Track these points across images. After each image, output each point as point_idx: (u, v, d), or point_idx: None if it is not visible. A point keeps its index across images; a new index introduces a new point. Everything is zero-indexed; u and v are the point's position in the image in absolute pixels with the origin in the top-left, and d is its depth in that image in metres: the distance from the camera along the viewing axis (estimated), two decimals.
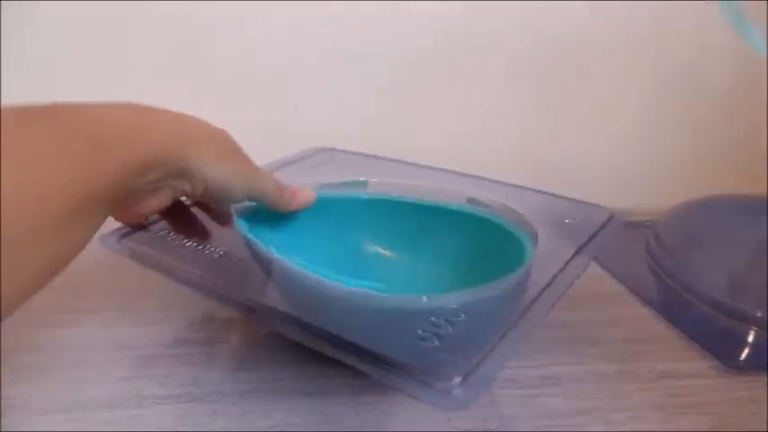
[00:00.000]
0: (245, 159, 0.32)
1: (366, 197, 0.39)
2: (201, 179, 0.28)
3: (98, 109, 0.25)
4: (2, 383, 0.30)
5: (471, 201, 0.38)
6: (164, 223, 0.35)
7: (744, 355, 0.37)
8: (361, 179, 0.41)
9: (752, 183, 0.55)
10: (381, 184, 0.40)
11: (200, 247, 0.33)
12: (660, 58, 0.57)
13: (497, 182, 0.41)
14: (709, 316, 0.41)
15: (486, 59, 0.56)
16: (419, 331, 0.22)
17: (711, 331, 0.39)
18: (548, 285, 0.26)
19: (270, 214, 0.34)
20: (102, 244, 0.32)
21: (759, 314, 0.39)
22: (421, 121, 0.57)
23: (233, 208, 0.35)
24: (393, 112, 0.57)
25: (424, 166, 0.44)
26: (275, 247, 0.32)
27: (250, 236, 0.32)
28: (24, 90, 0.54)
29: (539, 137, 0.59)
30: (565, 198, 0.40)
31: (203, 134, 0.29)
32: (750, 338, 0.38)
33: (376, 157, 0.46)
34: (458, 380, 0.19)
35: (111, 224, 0.33)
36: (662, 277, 0.46)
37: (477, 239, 0.35)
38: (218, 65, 0.53)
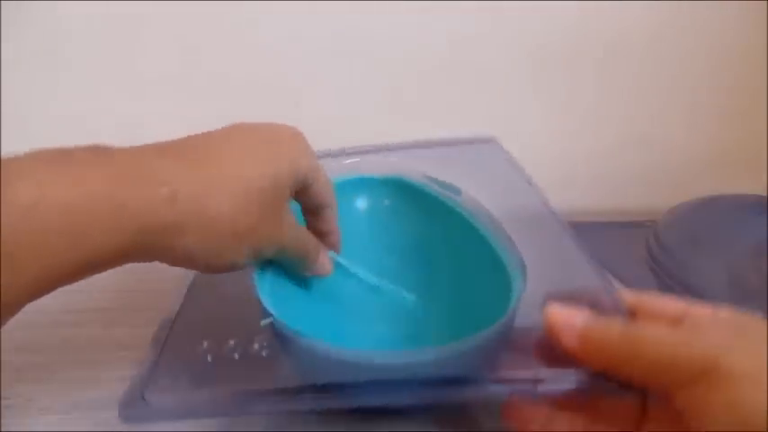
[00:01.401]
0: (272, 223, 0.25)
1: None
2: (187, 260, 0.23)
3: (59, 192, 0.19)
4: (2, 383, 0.30)
5: (429, 178, 0.37)
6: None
7: None
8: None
9: (752, 183, 0.55)
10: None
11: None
12: (660, 58, 0.57)
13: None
14: None
15: (488, 61, 0.56)
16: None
17: None
18: None
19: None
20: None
21: (759, 314, 0.39)
22: (422, 120, 0.57)
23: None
24: (395, 112, 0.57)
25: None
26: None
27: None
28: (24, 91, 0.54)
29: (538, 137, 0.59)
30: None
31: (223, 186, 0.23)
32: None
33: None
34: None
35: None
36: (662, 277, 0.46)
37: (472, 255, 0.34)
38: (219, 65, 0.53)
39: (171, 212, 0.21)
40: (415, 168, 0.38)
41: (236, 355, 0.26)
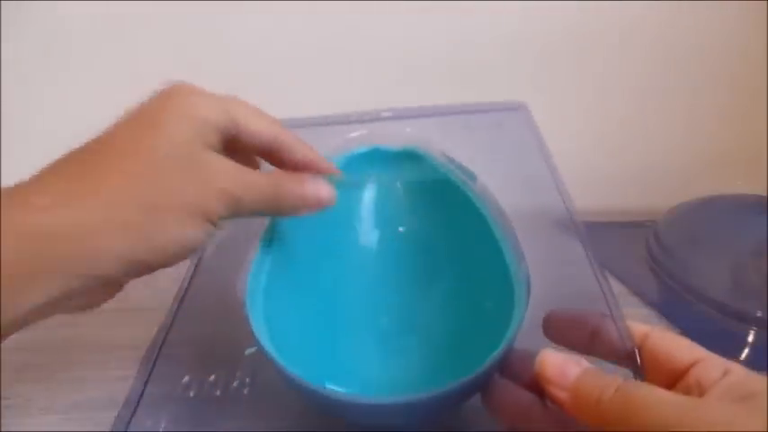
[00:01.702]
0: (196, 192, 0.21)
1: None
2: (120, 260, 0.20)
3: None
4: (2, 383, 0.30)
5: (447, 157, 0.34)
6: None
7: (744, 355, 0.37)
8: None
9: (752, 183, 0.55)
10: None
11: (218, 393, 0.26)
12: (660, 57, 0.57)
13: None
14: (709, 316, 0.41)
15: (488, 61, 0.56)
16: None
17: (711, 331, 0.39)
18: None
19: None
20: None
21: (759, 314, 0.39)
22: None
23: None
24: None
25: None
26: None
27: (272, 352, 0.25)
28: (24, 90, 0.54)
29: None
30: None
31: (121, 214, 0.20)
32: (750, 338, 0.38)
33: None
34: None
35: None
36: (662, 277, 0.46)
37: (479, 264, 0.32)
38: (219, 65, 0.53)
39: (58, 217, 0.19)
40: (432, 139, 0.35)
41: (218, 392, 0.25)
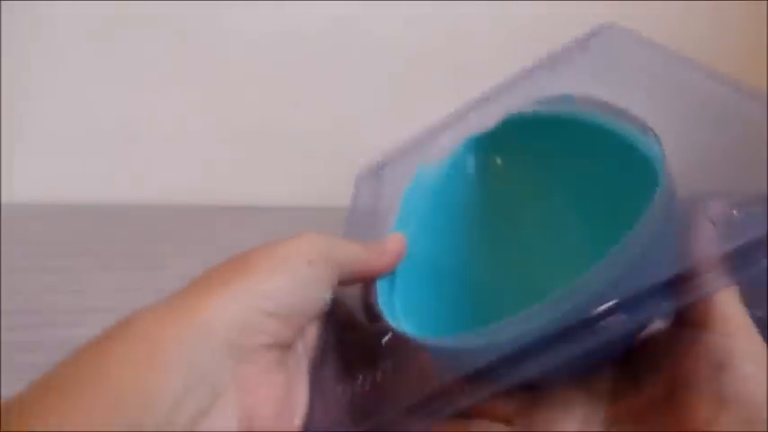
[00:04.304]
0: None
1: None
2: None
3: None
4: (2, 383, 0.30)
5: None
6: None
7: None
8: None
9: (752, 183, 0.56)
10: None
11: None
12: None
13: None
14: None
15: (489, 61, 0.56)
16: None
17: None
18: None
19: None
20: None
21: (759, 314, 0.39)
22: (420, 120, 0.57)
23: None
24: (395, 111, 0.57)
25: None
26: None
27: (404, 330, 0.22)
28: (24, 90, 0.54)
29: None
30: None
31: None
32: None
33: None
34: None
35: None
36: None
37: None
38: (218, 64, 0.53)
39: None
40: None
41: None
